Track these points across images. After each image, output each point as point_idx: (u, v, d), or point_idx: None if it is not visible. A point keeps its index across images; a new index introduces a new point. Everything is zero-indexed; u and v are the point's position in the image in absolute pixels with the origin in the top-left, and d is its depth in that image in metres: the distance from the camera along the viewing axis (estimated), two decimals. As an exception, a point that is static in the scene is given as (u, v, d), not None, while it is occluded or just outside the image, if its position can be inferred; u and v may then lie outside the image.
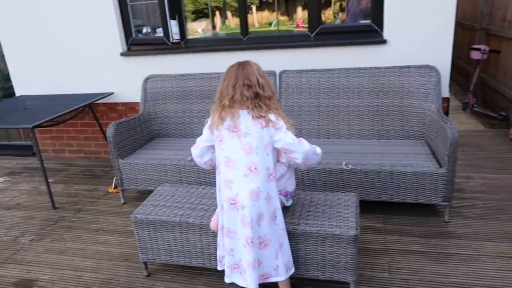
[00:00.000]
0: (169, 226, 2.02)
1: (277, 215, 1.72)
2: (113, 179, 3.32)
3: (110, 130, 2.88)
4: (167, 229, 2.03)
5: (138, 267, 2.28)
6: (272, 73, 3.06)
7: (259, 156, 1.64)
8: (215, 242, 1.96)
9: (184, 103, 3.29)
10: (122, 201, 3.06)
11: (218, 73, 3.19)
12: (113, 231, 2.68)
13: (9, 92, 4.31)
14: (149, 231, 2.07)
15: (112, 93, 3.73)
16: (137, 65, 3.59)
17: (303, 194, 2.13)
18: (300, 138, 1.70)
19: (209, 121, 1.75)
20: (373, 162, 2.49)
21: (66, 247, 2.54)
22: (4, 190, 3.46)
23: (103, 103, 3.83)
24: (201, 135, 1.80)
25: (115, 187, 3.25)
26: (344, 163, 2.49)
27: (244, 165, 1.64)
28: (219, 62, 3.28)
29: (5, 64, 4.06)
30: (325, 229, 1.80)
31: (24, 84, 3.98)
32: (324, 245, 1.81)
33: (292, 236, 1.83)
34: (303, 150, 1.68)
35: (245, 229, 1.67)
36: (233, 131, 1.65)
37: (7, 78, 4.15)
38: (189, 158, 2.81)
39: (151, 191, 3.02)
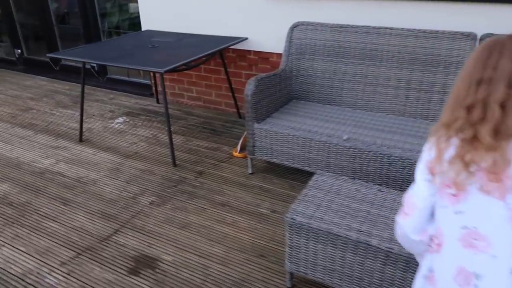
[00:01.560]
0: (339, 241, 1.46)
1: None
2: (239, 140, 2.87)
3: (249, 87, 2.35)
4: (335, 245, 1.48)
5: (277, 270, 1.80)
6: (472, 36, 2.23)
7: None
8: (404, 278, 1.37)
9: (337, 62, 2.62)
10: (249, 171, 2.60)
11: (392, 28, 2.44)
12: (241, 210, 2.23)
13: (132, 23, 4.01)
14: (307, 240, 1.54)
15: (246, 38, 3.19)
16: (283, 8, 2.96)
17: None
18: None
19: (427, 153, 0.94)
20: None
21: (189, 220, 2.16)
22: (123, 133, 3.22)
23: (233, 49, 3.32)
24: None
25: (242, 151, 2.79)
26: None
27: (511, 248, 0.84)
28: (398, 14, 2.53)
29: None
30: None
31: (151, 19, 3.60)
32: None
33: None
34: None
35: None
36: (490, 181, 0.83)
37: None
38: (345, 137, 2.19)
39: (286, 167, 2.50)
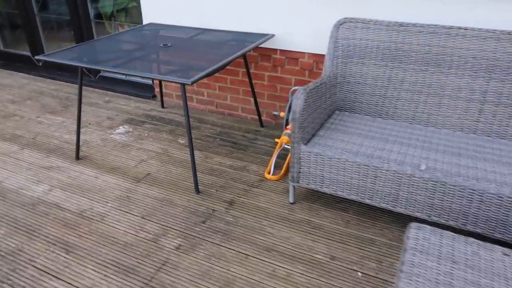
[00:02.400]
0: None
1: None
2: (266, 156, 2.42)
3: (298, 102, 1.90)
4: None
5: None
6: None
7: None
8: None
9: (392, 68, 2.19)
10: (291, 200, 2.16)
11: (466, 29, 2.01)
12: (292, 257, 1.81)
13: (130, 13, 3.46)
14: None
15: (273, 35, 2.71)
16: (322, 0, 2.50)
17: None
18: None
19: None
20: None
21: (231, 274, 1.72)
22: (127, 147, 2.72)
23: (247, 42, 2.84)
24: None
25: (274, 172, 2.35)
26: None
27: None
28: (474, 11, 2.12)
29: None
30: None
31: (155, 9, 3.07)
32: None
33: None
34: None
35: None
36: None
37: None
38: (423, 167, 1.78)
39: (338, 198, 2.08)
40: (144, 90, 3.56)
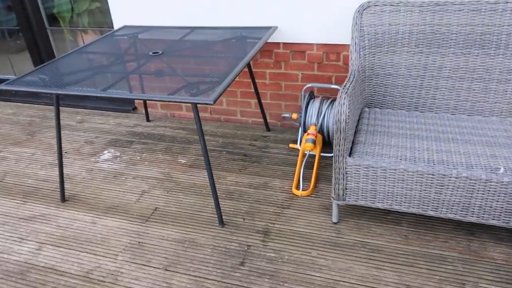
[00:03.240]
0: None
1: None
2: (286, 166, 2.10)
3: (342, 109, 1.58)
4: None
5: None
6: None
7: None
8: None
9: (429, 54, 1.92)
10: (334, 220, 1.86)
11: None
12: (361, 294, 1.52)
13: (94, 17, 2.97)
14: None
15: (276, 27, 2.35)
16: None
17: None
18: None
19: None
20: None
21: (297, 331, 1.41)
22: (120, 177, 2.30)
23: (249, 39, 2.47)
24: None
25: (301, 183, 2.04)
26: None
27: None
28: None
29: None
30: None
31: (127, 10, 2.60)
32: None
33: None
34: None
35: None
36: None
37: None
38: (501, 170, 1.53)
39: (390, 211, 1.80)
40: (122, 103, 3.10)
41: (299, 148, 2.38)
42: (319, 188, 2.09)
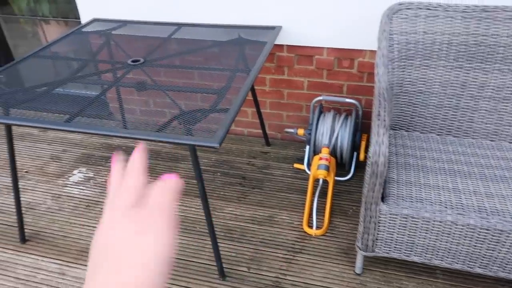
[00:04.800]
0: None
1: None
2: (294, 193, 1.78)
3: (382, 149, 1.25)
4: None
5: None
6: None
7: None
8: None
9: (470, 70, 1.60)
10: (358, 271, 1.56)
11: None
12: None
13: (60, 9, 2.49)
14: None
15: (280, 27, 1.98)
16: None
17: None
18: None
19: None
20: None
21: None
22: (94, 206, 1.91)
23: (252, 43, 2.09)
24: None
25: (312, 221, 1.72)
26: None
27: None
28: None
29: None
30: None
31: (96, 1, 2.15)
32: None
33: None
34: None
35: None
36: None
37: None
38: None
39: (425, 266, 1.51)
40: (95, 107, 2.66)
41: (306, 170, 2.06)
42: (334, 224, 1.78)
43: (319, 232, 1.72)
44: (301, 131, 2.07)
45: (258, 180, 2.05)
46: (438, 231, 1.33)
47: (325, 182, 1.94)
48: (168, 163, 2.19)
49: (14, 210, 1.90)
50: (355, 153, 2.03)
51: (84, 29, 2.01)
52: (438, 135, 1.72)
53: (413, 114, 1.72)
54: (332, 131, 1.93)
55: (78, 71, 1.78)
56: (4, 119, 1.31)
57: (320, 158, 1.83)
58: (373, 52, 1.96)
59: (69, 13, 2.52)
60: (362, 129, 2.11)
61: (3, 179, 2.11)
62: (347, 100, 1.95)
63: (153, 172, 2.13)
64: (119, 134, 1.21)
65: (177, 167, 2.16)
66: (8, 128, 1.52)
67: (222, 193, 1.97)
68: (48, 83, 1.60)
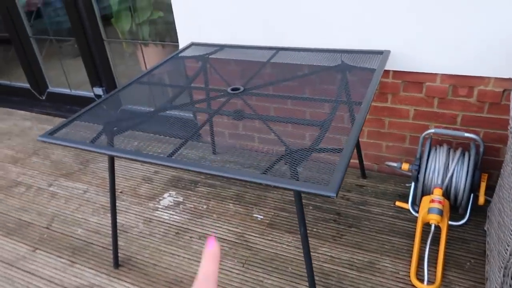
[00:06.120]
0: None
1: None
2: (398, 238, 1.56)
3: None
4: None
5: None
6: None
7: None
8: None
9: None
10: None
11: None
12: None
13: (154, 28, 2.56)
14: None
15: (389, 52, 1.80)
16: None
17: None
18: None
19: None
20: None
21: None
22: (183, 234, 1.87)
23: (355, 69, 1.93)
24: None
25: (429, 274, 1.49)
26: None
27: None
28: None
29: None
30: None
31: (193, 23, 2.15)
32: None
33: None
34: None
35: None
36: None
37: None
38: None
39: None
40: (185, 124, 2.69)
41: (411, 211, 1.83)
42: (448, 279, 1.53)
43: (431, 287, 1.49)
44: (405, 166, 1.85)
45: (354, 217, 1.87)
46: None
47: (437, 228, 1.70)
48: (257, 191, 2.10)
49: (109, 232, 1.93)
50: (471, 195, 1.76)
51: (179, 56, 2.01)
52: None
53: (556, 156, 1.42)
54: (446, 169, 1.69)
55: (175, 97, 1.77)
56: (108, 151, 1.31)
57: (432, 200, 1.60)
58: (499, 80, 1.69)
59: (166, 35, 2.58)
60: (481, 167, 1.83)
61: (101, 198, 2.18)
62: (466, 134, 1.70)
63: (242, 200, 2.05)
64: (222, 174, 1.13)
65: (266, 197, 2.05)
66: (111, 158, 1.53)
67: (315, 229, 1.82)
68: (150, 112, 1.60)
